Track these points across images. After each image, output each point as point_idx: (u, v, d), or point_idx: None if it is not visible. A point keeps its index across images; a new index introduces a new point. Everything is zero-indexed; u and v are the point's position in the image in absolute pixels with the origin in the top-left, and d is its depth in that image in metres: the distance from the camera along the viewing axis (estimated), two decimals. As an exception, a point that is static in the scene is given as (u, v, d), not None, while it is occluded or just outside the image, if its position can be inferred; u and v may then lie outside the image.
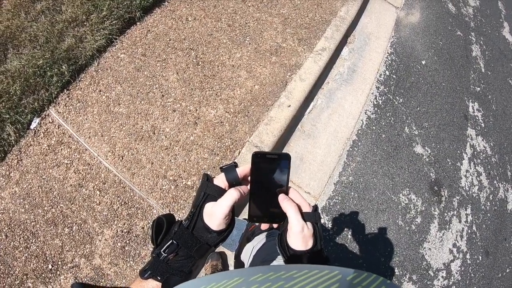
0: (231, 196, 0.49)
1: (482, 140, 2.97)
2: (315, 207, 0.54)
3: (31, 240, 1.53)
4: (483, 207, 2.62)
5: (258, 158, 0.51)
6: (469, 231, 2.46)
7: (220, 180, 0.53)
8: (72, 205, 1.62)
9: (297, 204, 0.53)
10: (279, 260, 0.89)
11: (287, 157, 0.52)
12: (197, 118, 1.90)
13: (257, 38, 2.33)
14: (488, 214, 2.61)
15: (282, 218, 0.53)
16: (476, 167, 2.77)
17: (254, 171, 0.51)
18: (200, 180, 0.56)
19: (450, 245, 2.34)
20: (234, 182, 0.53)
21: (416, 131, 2.69)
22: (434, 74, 3.12)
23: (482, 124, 3.06)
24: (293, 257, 0.51)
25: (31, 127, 1.72)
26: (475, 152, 2.85)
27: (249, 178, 0.53)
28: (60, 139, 1.72)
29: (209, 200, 0.51)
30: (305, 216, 0.51)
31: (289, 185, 0.54)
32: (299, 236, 0.50)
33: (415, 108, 2.81)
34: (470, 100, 3.15)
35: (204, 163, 1.79)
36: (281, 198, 0.52)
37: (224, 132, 1.91)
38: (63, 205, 1.61)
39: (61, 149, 1.70)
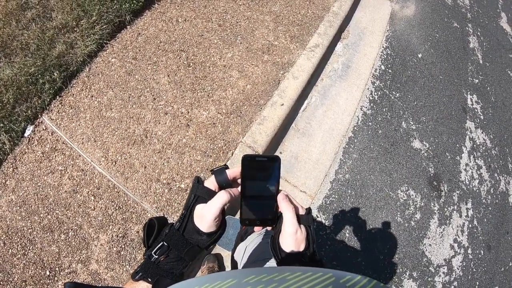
0: (221, 198, 0.49)
1: (482, 132, 2.93)
2: (308, 210, 0.54)
3: (28, 247, 1.55)
4: (484, 200, 2.59)
5: (248, 161, 0.51)
6: (470, 225, 2.44)
7: (211, 182, 0.54)
8: (68, 211, 1.63)
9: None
10: (271, 261, 0.89)
11: (277, 160, 0.52)
12: (189, 120, 1.90)
13: (248, 37, 2.32)
14: (489, 208, 2.58)
15: (274, 221, 0.54)
16: (476, 160, 2.74)
17: (244, 174, 0.52)
18: (192, 182, 0.56)
19: (451, 240, 2.32)
20: (224, 184, 0.53)
21: (414, 125, 2.66)
22: (431, 67, 3.08)
23: (481, 117, 3.02)
24: (285, 259, 0.51)
25: (25, 134, 1.73)
26: (475, 145, 2.82)
27: (239, 180, 0.53)
28: (54, 146, 1.73)
29: (199, 202, 0.52)
30: (300, 219, 0.52)
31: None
32: (292, 238, 0.50)
33: (412, 102, 2.78)
34: (468, 93, 3.11)
35: (197, 165, 1.79)
36: (280, 197, 0.52)
37: (216, 133, 1.90)
38: (59, 211, 1.62)
39: (55, 156, 1.71)
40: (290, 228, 0.50)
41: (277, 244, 0.52)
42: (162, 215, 1.67)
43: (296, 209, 0.53)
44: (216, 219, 0.50)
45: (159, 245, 0.50)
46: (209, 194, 0.52)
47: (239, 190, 0.53)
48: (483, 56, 3.49)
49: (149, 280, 0.49)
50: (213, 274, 0.36)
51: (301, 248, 0.51)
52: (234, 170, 0.54)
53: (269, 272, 0.34)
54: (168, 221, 0.56)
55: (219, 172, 0.54)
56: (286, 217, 0.50)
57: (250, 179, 0.52)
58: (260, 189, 0.53)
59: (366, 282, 0.32)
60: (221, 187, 0.53)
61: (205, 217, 0.50)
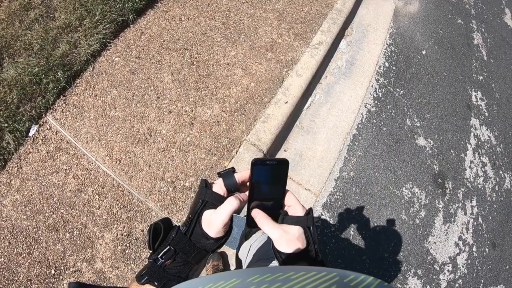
0: (231, 205, 0.49)
1: (486, 129, 2.91)
2: (308, 211, 0.54)
3: (33, 246, 1.55)
4: (488, 198, 2.57)
5: (258, 165, 0.51)
6: (475, 223, 2.42)
7: (219, 186, 0.53)
8: (72, 210, 1.63)
9: (290, 206, 0.53)
10: (276, 260, 0.89)
11: (286, 163, 0.52)
12: (193, 119, 1.89)
13: (252, 35, 2.31)
14: (494, 205, 2.56)
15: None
16: (481, 158, 2.72)
17: (254, 178, 0.51)
18: (198, 185, 0.56)
19: (455, 238, 2.30)
20: (232, 188, 0.53)
21: (418, 123, 2.65)
22: (435, 64, 3.06)
23: (486, 113, 3.00)
24: (286, 261, 0.51)
25: (30, 134, 1.73)
26: (480, 142, 2.80)
27: (247, 183, 0.53)
28: (58, 145, 1.73)
29: (207, 207, 0.52)
30: (287, 220, 0.52)
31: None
32: (282, 241, 0.50)
33: (416, 99, 2.76)
34: (473, 89, 3.08)
35: (201, 163, 1.79)
36: (254, 213, 0.52)
37: (220, 131, 1.90)
38: (64, 210, 1.62)
39: (60, 155, 1.72)
40: (273, 234, 0.50)
41: (276, 248, 0.52)
42: (167, 213, 1.67)
43: (295, 209, 0.53)
44: (225, 225, 0.50)
45: (165, 250, 0.50)
46: (218, 199, 0.52)
47: (247, 195, 0.52)
48: (487, 53, 3.46)
49: (156, 284, 0.49)
50: (217, 274, 0.36)
51: (300, 248, 0.50)
52: (243, 174, 0.54)
53: (273, 271, 0.33)
54: (172, 222, 0.55)
55: (227, 176, 0.54)
56: (262, 227, 0.51)
57: (258, 182, 0.52)
58: (268, 192, 0.53)
59: (370, 281, 0.32)
60: (230, 191, 0.53)
61: (214, 223, 0.50)
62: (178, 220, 1.67)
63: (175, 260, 0.50)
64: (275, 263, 0.88)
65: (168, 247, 0.50)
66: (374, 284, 0.31)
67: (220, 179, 0.54)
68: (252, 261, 0.99)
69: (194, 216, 0.51)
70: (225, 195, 0.53)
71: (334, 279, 0.31)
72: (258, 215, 0.52)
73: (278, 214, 0.53)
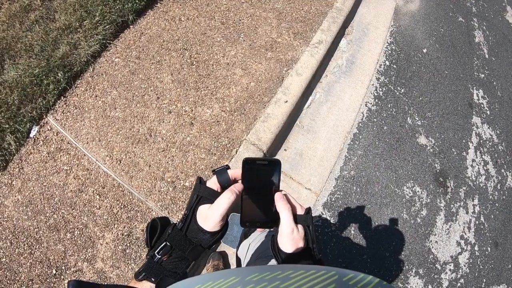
0: (228, 198, 0.50)
1: (488, 128, 2.89)
2: (308, 210, 0.54)
3: (35, 246, 1.56)
4: (490, 197, 2.56)
5: (249, 164, 0.52)
6: (477, 222, 2.41)
7: (213, 183, 0.54)
8: (73, 210, 1.64)
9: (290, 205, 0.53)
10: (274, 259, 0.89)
11: (277, 163, 0.52)
12: (193, 119, 1.90)
13: (251, 35, 2.31)
14: (496, 204, 2.55)
15: (274, 224, 0.54)
16: (483, 156, 2.71)
17: (245, 178, 0.52)
18: (194, 182, 0.57)
19: (457, 237, 2.29)
20: (226, 184, 0.54)
21: (419, 121, 2.63)
22: (436, 62, 3.04)
23: (488, 112, 2.98)
24: (285, 260, 0.52)
25: (31, 135, 1.74)
26: (481, 141, 2.78)
27: (240, 181, 0.54)
28: (59, 146, 1.74)
29: (202, 202, 0.52)
30: (297, 219, 0.52)
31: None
32: (289, 238, 0.50)
33: (418, 98, 2.75)
34: (474, 88, 3.07)
35: (201, 163, 1.79)
36: (277, 197, 0.52)
37: (220, 131, 1.90)
38: (64, 210, 1.63)
39: (61, 156, 1.72)
40: (286, 228, 0.50)
41: (276, 245, 0.52)
42: (167, 213, 1.68)
43: (294, 208, 0.53)
44: (222, 219, 0.50)
45: (162, 245, 0.50)
46: (212, 194, 0.52)
47: (242, 186, 0.53)
48: (489, 51, 3.44)
49: (153, 279, 0.49)
50: (216, 272, 0.36)
51: (300, 247, 0.51)
52: (236, 171, 0.55)
53: (272, 270, 0.34)
54: (171, 221, 0.56)
55: (221, 173, 0.54)
56: (282, 217, 0.51)
57: (250, 182, 0.52)
58: (261, 192, 0.53)
59: (369, 280, 0.32)
60: (223, 187, 0.54)
61: (211, 217, 0.50)
62: (178, 220, 1.68)
63: (171, 256, 0.50)
64: (273, 261, 0.88)
65: (164, 243, 0.50)
66: (373, 283, 0.31)
67: (214, 176, 0.55)
68: (251, 259, 0.99)
69: (189, 212, 0.52)
70: (219, 191, 0.53)
71: (333, 278, 0.31)
72: (281, 201, 0.52)
73: (272, 214, 0.53)
